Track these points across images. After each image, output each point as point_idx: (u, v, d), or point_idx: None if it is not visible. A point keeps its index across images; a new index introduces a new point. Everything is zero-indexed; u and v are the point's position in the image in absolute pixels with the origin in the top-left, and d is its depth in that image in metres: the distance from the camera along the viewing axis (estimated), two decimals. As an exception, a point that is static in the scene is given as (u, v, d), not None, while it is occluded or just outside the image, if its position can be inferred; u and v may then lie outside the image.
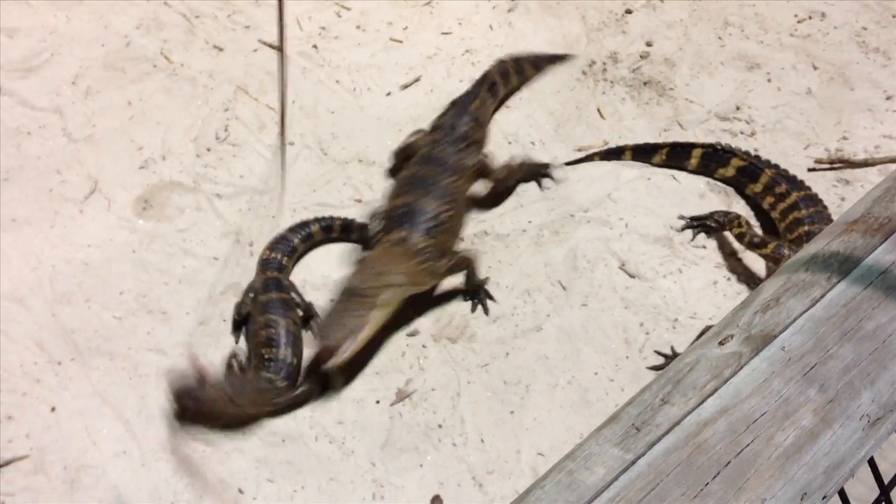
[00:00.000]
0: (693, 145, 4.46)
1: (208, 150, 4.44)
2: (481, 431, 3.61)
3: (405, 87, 4.84)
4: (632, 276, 4.17)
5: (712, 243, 4.28)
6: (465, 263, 3.96)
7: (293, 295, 3.85)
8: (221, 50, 4.87)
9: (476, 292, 4.04)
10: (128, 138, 4.40)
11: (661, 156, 4.53)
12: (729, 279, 4.16)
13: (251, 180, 4.37)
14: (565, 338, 3.96)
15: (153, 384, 3.63)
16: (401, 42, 5.08)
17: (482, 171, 4.29)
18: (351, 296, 3.56)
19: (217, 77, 4.75)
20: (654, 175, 4.55)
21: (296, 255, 4.05)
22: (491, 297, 4.03)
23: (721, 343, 1.26)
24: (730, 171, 4.40)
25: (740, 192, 4.46)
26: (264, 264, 3.93)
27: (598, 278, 4.16)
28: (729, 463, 1.13)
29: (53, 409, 3.48)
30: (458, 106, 4.48)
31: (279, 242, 4.00)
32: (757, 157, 4.36)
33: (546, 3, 5.32)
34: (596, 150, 4.62)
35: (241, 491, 3.36)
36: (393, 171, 4.40)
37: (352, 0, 5.20)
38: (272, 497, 3.35)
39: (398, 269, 3.69)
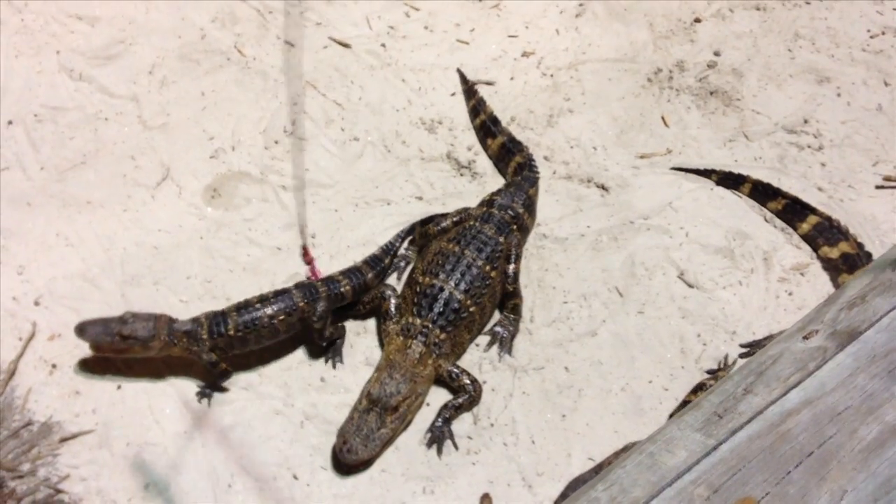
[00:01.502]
0: (813, 210, 4.27)
1: (276, 142, 4.53)
2: (532, 433, 3.62)
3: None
4: (690, 286, 4.14)
5: (776, 258, 4.23)
6: (466, 393, 3.65)
7: None
8: (292, 45, 4.97)
9: (440, 430, 3.62)
10: (200, 128, 4.52)
11: (777, 203, 4.38)
12: (791, 294, 4.11)
13: (316, 174, 4.44)
14: (620, 344, 3.95)
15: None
16: (467, 44, 5.11)
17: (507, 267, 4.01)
18: (380, 408, 3.45)
19: (287, 72, 4.84)
20: (717, 186, 4.51)
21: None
22: (453, 442, 3.59)
23: (806, 337, 1.26)
24: (834, 254, 4.19)
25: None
26: None
27: (656, 286, 4.14)
28: (812, 453, 1.14)
29: (120, 388, 3.58)
30: (516, 186, 4.30)
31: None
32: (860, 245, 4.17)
33: (614, 9, 5.31)
34: (716, 168, 4.55)
35: (295, 477, 3.42)
36: (423, 236, 4.18)
37: (422, 1, 5.26)
38: (325, 484, 3.41)
39: (423, 375, 3.61)
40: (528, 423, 3.65)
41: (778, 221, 4.37)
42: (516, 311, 3.97)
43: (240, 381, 3.68)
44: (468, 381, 3.66)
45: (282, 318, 3.60)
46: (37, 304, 3.77)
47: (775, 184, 4.42)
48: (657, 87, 4.96)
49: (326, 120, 4.66)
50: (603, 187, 4.52)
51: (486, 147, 4.65)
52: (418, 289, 3.78)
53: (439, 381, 3.73)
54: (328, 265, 4.10)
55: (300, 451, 3.49)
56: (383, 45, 5.03)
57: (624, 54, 5.11)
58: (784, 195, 4.35)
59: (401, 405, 3.49)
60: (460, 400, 3.63)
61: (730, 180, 4.50)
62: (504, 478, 3.48)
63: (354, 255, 4.13)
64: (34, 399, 3.50)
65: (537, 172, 4.45)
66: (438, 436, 3.58)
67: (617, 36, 5.19)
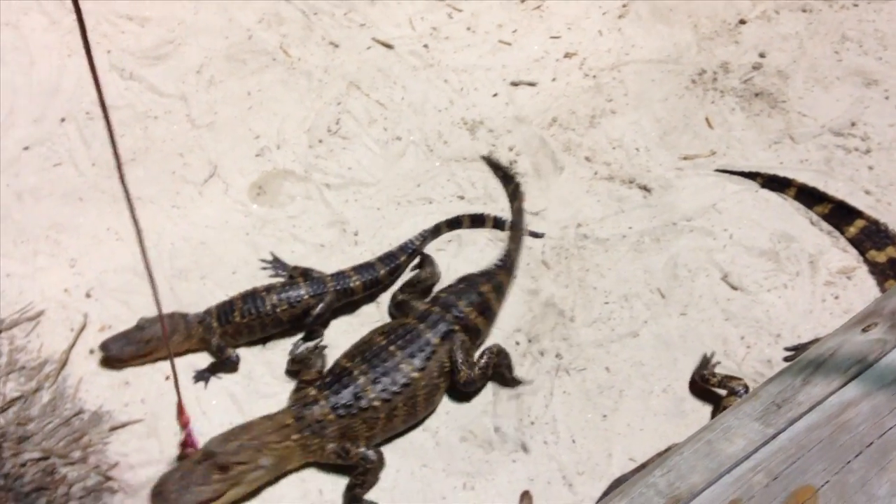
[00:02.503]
0: (860, 214, 4.21)
1: (320, 141, 4.59)
2: (573, 432, 3.62)
3: (515, 84, 4.89)
4: (734, 289, 4.11)
5: (822, 261, 4.18)
6: (361, 467, 3.35)
7: None
8: (337, 46, 5.03)
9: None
10: (246, 127, 4.60)
11: (823, 207, 4.32)
12: (837, 298, 4.06)
13: (359, 172, 4.49)
14: (662, 346, 3.93)
15: (260, 360, 3.77)
16: (509, 44, 5.13)
17: (454, 361, 3.65)
18: (211, 461, 3.16)
19: (331, 72, 4.91)
20: (761, 189, 4.47)
21: None
22: None
23: (865, 329, 1.26)
24: (881, 258, 4.12)
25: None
26: None
27: (699, 288, 4.12)
28: (871, 444, 1.14)
29: (168, 378, 3.65)
30: (468, 283, 3.94)
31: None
32: None
33: (658, 10, 5.29)
34: (757, 170, 4.51)
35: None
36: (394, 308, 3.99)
37: (464, 2, 5.29)
38: (367, 478, 3.43)
39: (273, 448, 3.27)
40: (569, 422, 3.65)
41: (824, 224, 4.32)
42: (502, 379, 3.75)
43: (277, 372, 3.74)
44: (360, 453, 3.36)
45: (285, 308, 3.72)
46: (88, 296, 3.86)
47: (821, 187, 4.37)
48: (701, 88, 4.93)
49: (369, 120, 4.71)
50: (645, 188, 4.51)
51: None
52: (336, 368, 3.55)
53: (319, 464, 3.47)
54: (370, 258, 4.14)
55: (342, 445, 3.52)
56: (426, 46, 5.07)
57: (667, 55, 5.09)
58: (830, 199, 4.30)
59: (232, 468, 3.17)
60: (357, 477, 3.35)
61: (775, 183, 4.46)
62: (544, 476, 3.48)
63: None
64: (85, 388, 3.59)
65: (501, 262, 4.06)
66: None
67: (660, 37, 5.17)
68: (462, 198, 4.44)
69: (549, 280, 4.13)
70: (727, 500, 1.18)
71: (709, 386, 3.67)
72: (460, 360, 3.62)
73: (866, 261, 4.17)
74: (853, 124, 4.73)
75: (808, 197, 4.38)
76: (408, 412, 3.51)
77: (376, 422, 3.43)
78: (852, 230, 4.23)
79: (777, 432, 1.15)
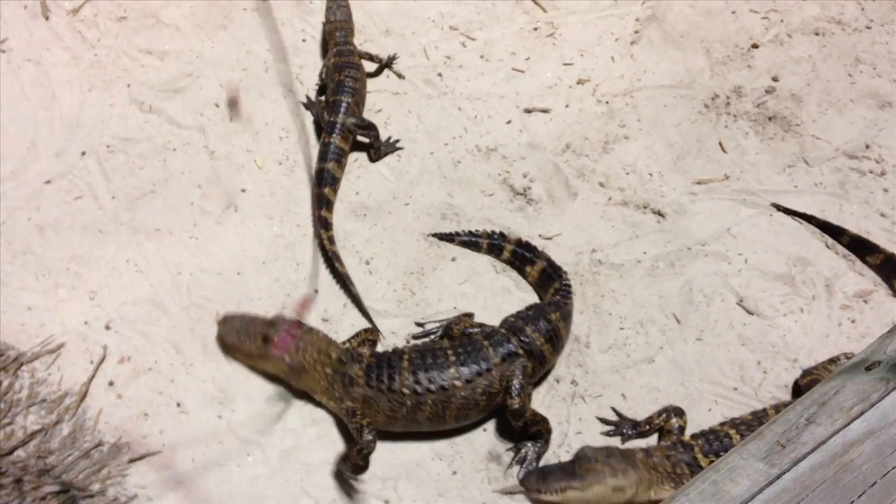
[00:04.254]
0: None
1: (335, 170, 4.64)
2: (590, 459, 3.61)
3: (528, 111, 4.93)
4: (750, 313, 4.10)
5: (838, 284, 4.17)
6: (354, 439, 3.51)
7: None
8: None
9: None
10: (262, 157, 4.65)
11: (875, 258, 4.22)
12: (854, 322, 4.04)
13: (373, 200, 4.53)
14: (678, 371, 3.93)
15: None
16: (522, 72, 5.17)
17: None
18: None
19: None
20: (777, 212, 4.47)
21: None
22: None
23: (868, 368, 1.26)
24: None
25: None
26: None
27: (715, 313, 4.12)
28: (875, 483, 1.14)
29: (181, 407, 3.70)
30: (537, 309, 3.91)
31: None
32: None
33: (670, 35, 5.32)
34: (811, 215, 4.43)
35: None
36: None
37: (477, 31, 5.35)
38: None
39: (311, 376, 3.65)
40: (586, 450, 3.65)
41: (840, 248, 4.31)
42: (539, 437, 3.65)
43: (297, 405, 3.78)
44: (359, 425, 3.51)
45: None
46: (107, 328, 3.91)
47: (837, 210, 4.36)
48: (714, 112, 4.94)
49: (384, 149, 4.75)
50: (659, 213, 4.51)
51: (525, 275, 4.34)
52: (399, 349, 3.74)
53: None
54: (384, 290, 4.18)
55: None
56: (440, 75, 5.12)
57: (680, 80, 5.11)
58: (882, 251, 4.20)
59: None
60: (349, 448, 3.50)
61: (828, 230, 4.37)
62: (562, 505, 3.48)
63: (410, 281, 4.20)
64: (104, 420, 3.63)
65: (568, 297, 3.99)
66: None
67: (673, 62, 5.20)
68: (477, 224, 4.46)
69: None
70: (735, 539, 1.20)
71: None
72: (517, 387, 3.61)
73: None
74: (867, 147, 4.72)
75: (860, 247, 4.29)
76: (434, 414, 3.57)
77: (399, 407, 3.53)
78: None
79: (781, 472, 1.16)
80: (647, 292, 4.21)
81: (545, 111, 4.98)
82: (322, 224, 4.28)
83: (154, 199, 4.40)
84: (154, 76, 4.92)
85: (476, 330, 3.83)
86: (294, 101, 4.91)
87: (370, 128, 4.63)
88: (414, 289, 4.22)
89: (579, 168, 4.69)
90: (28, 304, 3.96)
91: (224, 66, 5.01)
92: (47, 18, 5.09)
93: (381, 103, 4.95)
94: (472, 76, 5.14)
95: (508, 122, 4.93)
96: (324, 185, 4.42)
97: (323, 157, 4.51)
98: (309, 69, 5.09)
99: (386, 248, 4.35)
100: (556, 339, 3.81)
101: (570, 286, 4.05)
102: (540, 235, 4.42)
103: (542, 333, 3.75)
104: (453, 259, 4.32)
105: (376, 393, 3.52)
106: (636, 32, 5.35)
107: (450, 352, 3.61)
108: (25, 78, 4.80)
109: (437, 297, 4.19)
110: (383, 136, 4.75)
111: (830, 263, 4.26)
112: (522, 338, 3.71)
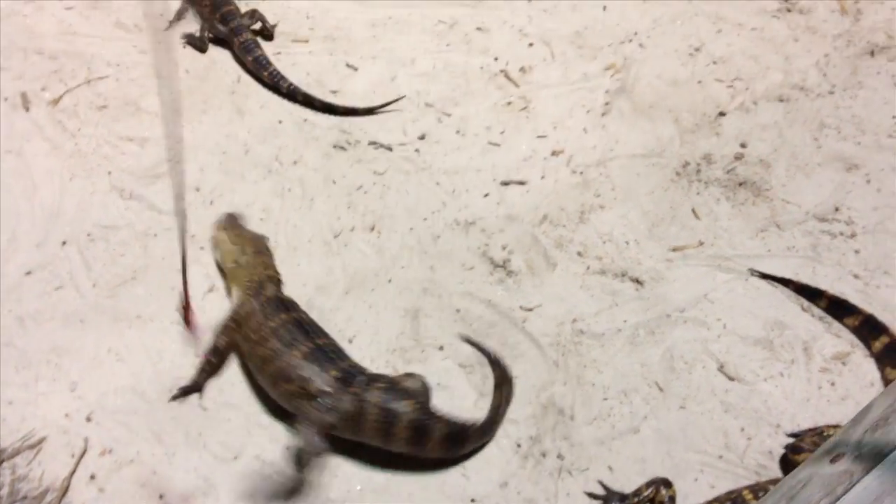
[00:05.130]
0: (885, 329, 4.16)
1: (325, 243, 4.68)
2: (579, 535, 3.59)
3: (505, 183, 5.02)
4: (731, 379, 4.13)
5: (816, 346, 4.22)
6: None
7: None
8: (329, 157, 5.17)
9: None
10: (243, 239, 4.69)
11: (854, 320, 4.26)
12: (833, 384, 4.08)
13: (354, 276, 4.56)
14: (663, 441, 3.93)
15: (266, 484, 3.77)
16: (498, 145, 5.28)
17: None
18: None
19: (326, 181, 5.01)
20: (752, 276, 4.54)
21: None
22: None
23: (833, 461, 1.28)
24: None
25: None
26: None
27: (696, 380, 4.15)
28: (844, 581, 1.15)
29: (164, 500, 3.65)
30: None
31: None
32: None
33: (639, 106, 5.46)
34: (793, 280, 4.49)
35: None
36: None
37: (453, 107, 5.47)
38: None
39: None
40: (574, 525, 3.63)
41: (816, 310, 4.37)
42: None
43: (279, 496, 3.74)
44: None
45: None
46: (88, 419, 3.88)
47: (810, 273, 4.43)
48: (686, 180, 5.05)
49: (363, 225, 4.80)
50: (637, 281, 4.57)
51: None
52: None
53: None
54: (369, 367, 4.16)
55: None
56: (417, 151, 5.22)
57: (651, 149, 5.23)
58: (861, 312, 4.25)
59: None
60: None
61: (806, 292, 4.44)
62: (552, 584, 3.45)
63: (394, 358, 4.21)
64: (86, 515, 3.58)
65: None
66: None
67: (643, 132, 5.33)
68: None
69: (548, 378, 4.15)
70: None
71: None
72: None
73: (884, 377, 4.11)
74: (837, 209, 4.82)
75: (839, 309, 4.34)
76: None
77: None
78: (878, 345, 4.18)
79: (753, 571, 1.17)
80: (629, 361, 4.24)
81: (521, 183, 5.08)
82: None
83: (135, 286, 4.42)
84: (135, 162, 4.99)
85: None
86: (277, 178, 4.98)
87: (254, 14, 5.72)
88: (397, 366, 4.22)
89: (557, 238, 4.76)
90: (8, 398, 3.93)
91: (204, 149, 5.09)
92: (27, 110, 5.17)
93: (361, 180, 5.03)
94: (448, 151, 5.24)
95: (486, 195, 5.01)
96: (268, 66, 5.46)
97: (250, 50, 5.51)
98: (286, 150, 5.17)
99: (369, 325, 4.37)
100: None
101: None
102: (521, 307, 4.45)
103: None
104: (440, 348, 4.33)
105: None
106: (606, 104, 5.49)
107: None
108: (6, 170, 4.85)
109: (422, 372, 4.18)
110: (368, 210, 4.85)
111: (807, 326, 4.31)
112: None
